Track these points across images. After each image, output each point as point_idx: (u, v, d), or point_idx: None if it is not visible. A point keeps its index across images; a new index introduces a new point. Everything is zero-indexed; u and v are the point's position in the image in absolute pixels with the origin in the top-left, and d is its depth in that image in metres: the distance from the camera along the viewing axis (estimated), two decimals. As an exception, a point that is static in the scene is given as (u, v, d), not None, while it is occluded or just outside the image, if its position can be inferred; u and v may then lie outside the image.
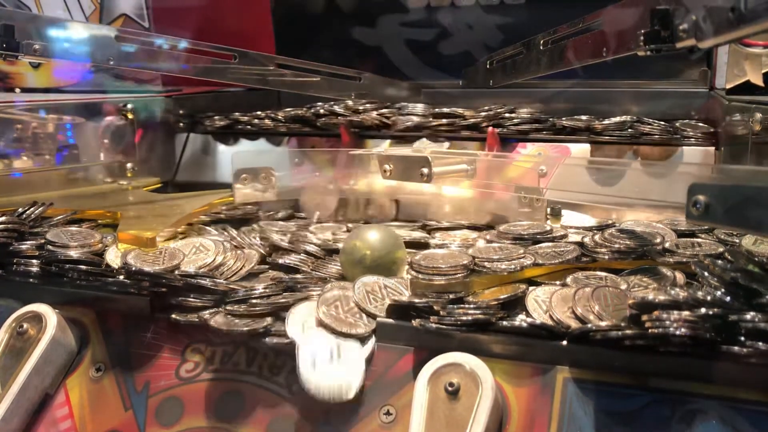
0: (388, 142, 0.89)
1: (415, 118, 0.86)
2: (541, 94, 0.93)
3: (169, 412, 0.53)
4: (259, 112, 0.94)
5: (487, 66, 0.85)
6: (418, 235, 0.70)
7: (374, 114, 0.87)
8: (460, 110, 0.86)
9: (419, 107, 0.88)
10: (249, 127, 0.94)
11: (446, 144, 0.84)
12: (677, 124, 0.79)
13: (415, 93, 0.96)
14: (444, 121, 0.85)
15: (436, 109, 0.87)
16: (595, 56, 0.62)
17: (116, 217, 0.72)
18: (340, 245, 0.62)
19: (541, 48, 0.72)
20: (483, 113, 0.84)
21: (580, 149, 0.81)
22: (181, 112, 0.97)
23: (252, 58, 0.85)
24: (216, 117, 0.96)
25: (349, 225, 0.76)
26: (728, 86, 0.80)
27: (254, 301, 0.53)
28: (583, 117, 0.82)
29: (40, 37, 0.72)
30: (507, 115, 0.84)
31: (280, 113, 0.93)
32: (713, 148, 0.78)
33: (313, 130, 0.92)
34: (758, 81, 0.77)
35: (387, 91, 0.95)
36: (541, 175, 0.69)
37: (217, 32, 0.94)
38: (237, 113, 0.95)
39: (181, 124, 0.98)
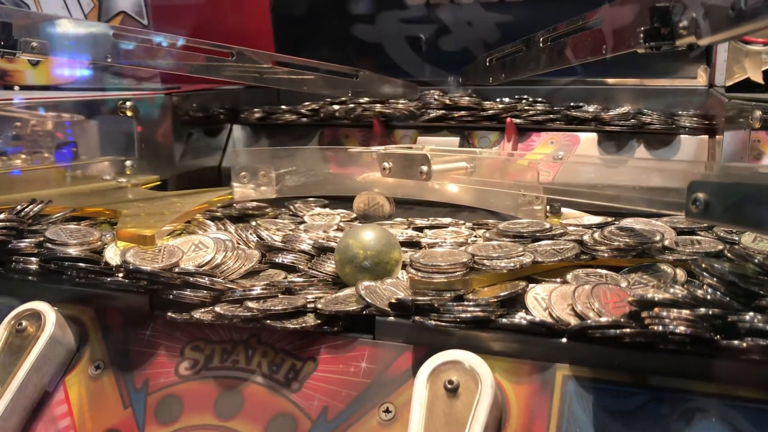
0: (414, 131, 0.95)
1: (440, 110, 0.92)
2: (540, 91, 0.93)
3: (169, 410, 0.53)
4: (284, 106, 0.99)
5: (487, 63, 0.85)
6: (412, 233, 0.70)
7: (402, 105, 0.94)
8: (477, 101, 0.92)
9: (444, 99, 0.94)
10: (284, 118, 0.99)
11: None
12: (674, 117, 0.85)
13: (412, 91, 0.96)
14: (465, 112, 0.91)
15: (452, 99, 0.93)
16: (595, 54, 0.62)
17: (115, 214, 0.71)
18: (333, 244, 0.62)
19: (541, 45, 0.72)
20: (501, 105, 0.91)
21: (588, 138, 0.87)
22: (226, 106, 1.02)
23: (248, 55, 0.85)
24: (255, 110, 1.00)
25: (341, 224, 0.75)
26: (728, 83, 0.80)
27: (250, 304, 0.53)
28: (591, 108, 0.88)
29: (38, 34, 0.72)
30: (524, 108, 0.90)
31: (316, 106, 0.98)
32: (707, 136, 0.82)
33: (345, 120, 0.97)
34: (758, 78, 0.78)
35: (383, 88, 0.95)
36: (558, 159, 0.70)
37: (216, 30, 0.94)
38: (268, 107, 1.00)
39: (222, 116, 1.02)
